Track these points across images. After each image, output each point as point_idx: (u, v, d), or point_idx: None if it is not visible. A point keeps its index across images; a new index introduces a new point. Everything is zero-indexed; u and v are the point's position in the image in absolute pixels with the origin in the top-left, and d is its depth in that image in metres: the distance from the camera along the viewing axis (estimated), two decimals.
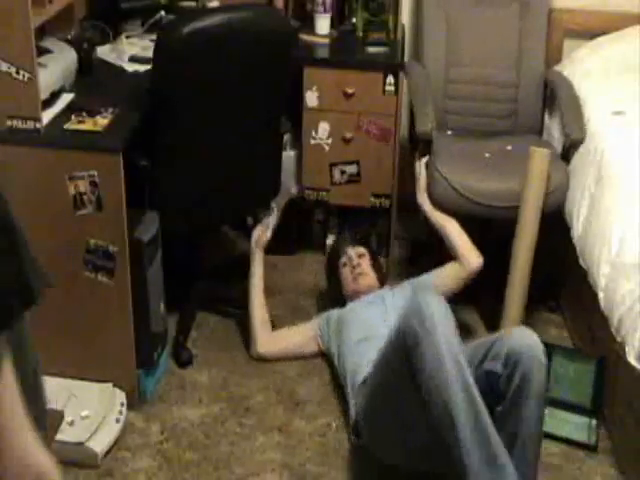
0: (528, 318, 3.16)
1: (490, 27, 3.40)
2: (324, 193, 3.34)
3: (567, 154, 3.05)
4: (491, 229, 3.23)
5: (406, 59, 3.49)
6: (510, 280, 2.91)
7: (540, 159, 2.86)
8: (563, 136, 3.10)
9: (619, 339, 2.42)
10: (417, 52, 3.51)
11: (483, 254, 3.05)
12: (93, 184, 2.38)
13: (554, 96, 3.29)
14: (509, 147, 3.24)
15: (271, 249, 3.21)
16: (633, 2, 3.42)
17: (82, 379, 2.60)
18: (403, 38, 3.45)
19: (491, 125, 3.36)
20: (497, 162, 3.14)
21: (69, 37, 2.80)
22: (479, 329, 3.12)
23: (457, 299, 3.20)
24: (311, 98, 3.23)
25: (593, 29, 3.45)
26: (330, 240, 3.48)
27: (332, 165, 3.32)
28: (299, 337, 2.93)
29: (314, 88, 3.21)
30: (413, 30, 3.61)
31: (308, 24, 3.39)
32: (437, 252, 3.12)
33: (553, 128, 3.29)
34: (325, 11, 3.38)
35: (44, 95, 2.41)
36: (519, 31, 3.36)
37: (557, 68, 3.42)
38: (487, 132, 3.34)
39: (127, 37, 3.10)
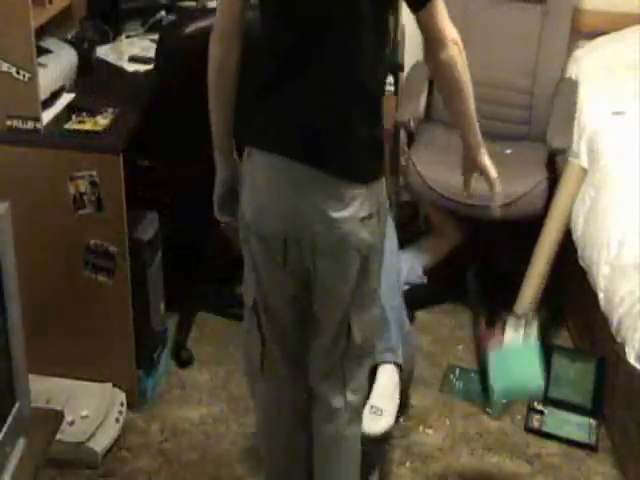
0: None
1: (509, 30, 3.36)
2: None
3: (551, 161, 3.05)
4: (481, 228, 3.23)
5: (412, 58, 3.46)
6: (526, 279, 2.91)
7: (574, 171, 2.86)
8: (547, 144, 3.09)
9: (619, 340, 2.42)
10: None
11: (478, 253, 3.08)
12: (93, 184, 2.38)
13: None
14: (508, 151, 3.24)
15: None
16: (633, 2, 3.41)
17: (82, 379, 2.60)
18: (403, 38, 3.45)
19: (503, 129, 3.33)
20: None
21: (69, 37, 2.80)
22: (479, 327, 3.12)
23: (457, 299, 3.23)
24: None
25: (593, 29, 3.45)
26: None
27: None
28: None
29: None
30: None
31: None
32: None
33: None
34: None
35: (44, 95, 2.42)
36: (539, 36, 3.32)
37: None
38: (498, 136, 3.32)
39: (127, 37, 3.09)
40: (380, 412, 2.36)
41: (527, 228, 3.12)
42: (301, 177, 1.75)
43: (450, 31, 1.78)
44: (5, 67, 2.27)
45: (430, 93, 3.35)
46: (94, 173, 2.37)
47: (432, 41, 1.78)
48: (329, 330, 1.93)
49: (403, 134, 3.23)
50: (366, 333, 1.95)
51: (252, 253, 1.89)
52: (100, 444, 2.47)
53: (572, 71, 3.34)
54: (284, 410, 2.09)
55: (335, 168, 1.74)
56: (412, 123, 3.10)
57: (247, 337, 2.05)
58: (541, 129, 3.30)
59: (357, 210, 1.77)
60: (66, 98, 2.58)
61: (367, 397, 2.23)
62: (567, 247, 2.91)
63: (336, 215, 1.76)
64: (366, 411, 2.31)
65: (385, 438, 2.46)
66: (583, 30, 3.44)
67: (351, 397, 2.01)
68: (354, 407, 2.04)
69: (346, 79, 1.73)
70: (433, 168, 3.02)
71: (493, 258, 3.33)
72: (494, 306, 3.17)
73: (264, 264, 1.88)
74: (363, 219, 1.79)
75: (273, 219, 1.80)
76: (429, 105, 3.36)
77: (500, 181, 2.03)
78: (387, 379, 2.45)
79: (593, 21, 3.45)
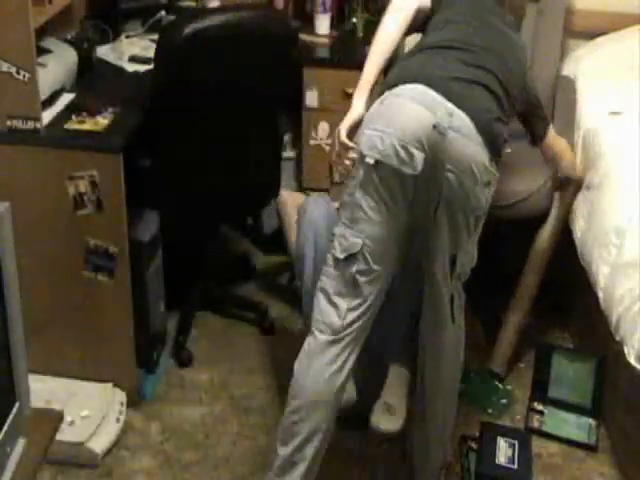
0: (528, 317, 3.17)
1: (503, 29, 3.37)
2: (324, 193, 3.34)
3: None
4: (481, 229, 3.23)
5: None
6: (519, 286, 2.92)
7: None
8: None
9: (618, 339, 2.42)
10: None
11: (478, 253, 3.05)
12: (93, 184, 2.38)
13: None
14: (508, 150, 3.23)
15: (272, 249, 3.21)
16: (633, 2, 3.41)
17: (82, 379, 2.60)
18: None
19: None
20: None
21: (69, 37, 2.80)
22: (479, 329, 3.12)
23: None
24: (311, 98, 3.23)
25: (593, 29, 3.45)
26: None
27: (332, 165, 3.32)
28: None
29: (314, 88, 3.21)
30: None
31: (308, 24, 3.39)
32: None
33: None
34: (325, 11, 3.38)
35: (44, 95, 2.42)
36: (533, 36, 3.31)
37: (563, 73, 3.40)
38: None
39: (127, 37, 3.10)
40: (394, 411, 2.35)
41: (532, 227, 3.12)
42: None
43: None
44: (5, 67, 2.27)
45: None
46: (94, 173, 2.37)
47: None
48: (438, 270, 2.09)
49: None
50: (464, 266, 2.14)
51: (374, 192, 1.96)
52: (100, 444, 2.47)
53: (569, 70, 3.34)
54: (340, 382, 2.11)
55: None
56: None
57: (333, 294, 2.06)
58: None
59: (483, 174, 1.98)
60: (66, 98, 2.58)
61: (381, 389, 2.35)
62: (567, 247, 2.91)
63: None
64: (379, 408, 2.32)
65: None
66: (576, 29, 3.45)
67: (458, 316, 2.26)
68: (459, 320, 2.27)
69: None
70: None
71: (498, 258, 3.32)
72: (497, 306, 3.18)
73: (388, 201, 1.95)
74: (486, 184, 2.00)
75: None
76: None
77: None
78: (400, 378, 2.44)
79: (586, 20, 3.46)
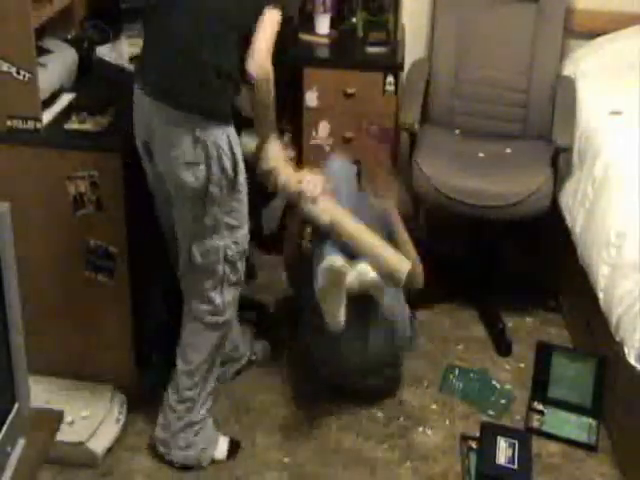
0: (528, 317, 3.17)
1: (503, 29, 3.36)
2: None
3: (555, 160, 3.04)
4: (481, 229, 3.23)
5: (412, 58, 3.46)
6: None
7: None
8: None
9: (618, 339, 2.43)
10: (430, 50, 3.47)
11: (479, 253, 3.05)
12: (93, 184, 2.39)
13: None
14: (508, 150, 3.24)
15: (270, 249, 3.21)
16: (633, 2, 3.42)
17: (82, 379, 2.60)
18: (403, 38, 3.45)
19: (500, 128, 3.33)
20: (488, 163, 3.13)
21: (69, 37, 2.80)
22: (479, 329, 3.12)
23: (457, 299, 3.23)
24: (311, 98, 3.23)
25: (593, 29, 3.45)
26: None
27: None
28: None
29: (314, 88, 3.21)
30: (427, 28, 3.55)
31: (308, 24, 3.39)
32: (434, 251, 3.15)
33: None
34: (325, 11, 3.38)
35: (44, 95, 2.42)
36: (533, 35, 3.32)
37: (563, 73, 3.40)
38: (495, 135, 3.32)
39: (127, 37, 3.09)
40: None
41: (532, 227, 3.13)
42: None
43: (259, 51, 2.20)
44: (5, 67, 2.28)
45: (426, 94, 3.34)
46: (94, 173, 2.37)
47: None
48: None
49: (404, 135, 3.23)
50: None
51: None
52: (100, 444, 2.48)
53: (570, 70, 3.35)
54: None
55: None
56: (417, 125, 3.10)
57: None
58: (537, 127, 3.31)
59: None
60: (66, 98, 2.58)
61: None
62: (567, 247, 2.91)
63: None
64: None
65: None
66: (576, 29, 3.44)
67: None
68: None
69: None
70: (439, 170, 3.01)
71: (498, 258, 3.33)
72: (496, 305, 3.18)
73: None
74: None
75: None
76: (426, 106, 3.35)
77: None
78: None
79: (586, 20, 3.45)
